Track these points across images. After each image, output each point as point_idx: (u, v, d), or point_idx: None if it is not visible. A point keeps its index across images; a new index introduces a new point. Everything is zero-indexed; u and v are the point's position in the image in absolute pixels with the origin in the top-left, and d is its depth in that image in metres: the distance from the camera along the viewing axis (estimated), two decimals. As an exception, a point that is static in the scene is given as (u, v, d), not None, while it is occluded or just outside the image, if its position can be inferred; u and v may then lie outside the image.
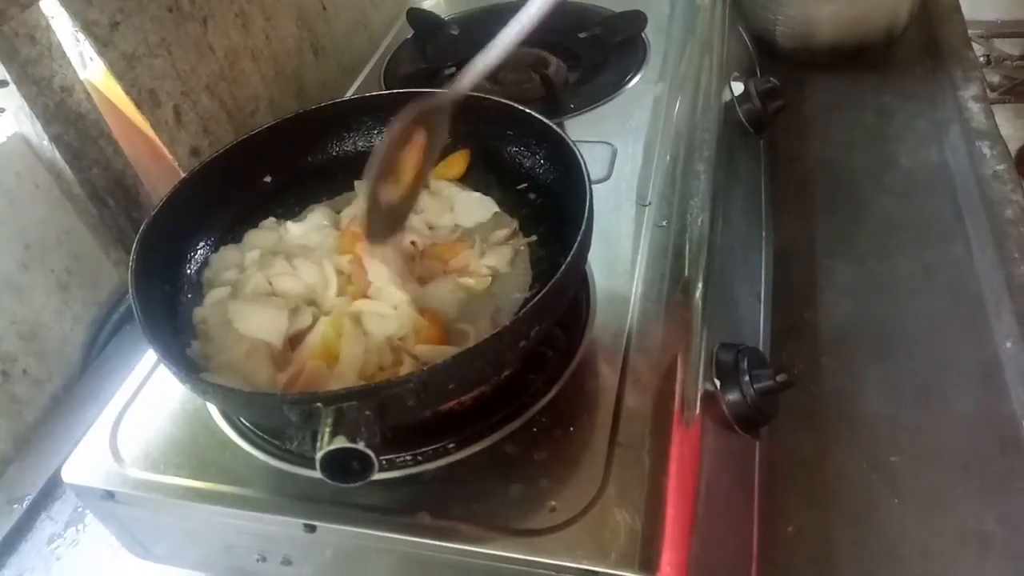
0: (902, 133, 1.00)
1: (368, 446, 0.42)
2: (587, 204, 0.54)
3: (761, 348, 0.71)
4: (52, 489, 0.74)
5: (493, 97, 0.68)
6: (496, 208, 0.67)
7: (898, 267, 0.83)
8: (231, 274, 0.64)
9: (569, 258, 0.51)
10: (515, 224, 0.66)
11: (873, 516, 0.63)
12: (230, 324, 0.59)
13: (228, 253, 0.66)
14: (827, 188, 0.94)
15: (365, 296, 0.59)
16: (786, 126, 0.99)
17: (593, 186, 0.56)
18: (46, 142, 0.80)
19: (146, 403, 0.62)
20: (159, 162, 0.93)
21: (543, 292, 0.49)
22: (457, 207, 0.67)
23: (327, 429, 0.43)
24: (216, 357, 0.57)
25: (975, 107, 0.99)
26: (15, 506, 0.72)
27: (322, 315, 0.58)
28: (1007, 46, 2.39)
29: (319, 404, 0.44)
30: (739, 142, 0.89)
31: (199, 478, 0.56)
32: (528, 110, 0.64)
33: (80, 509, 0.72)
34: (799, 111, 1.04)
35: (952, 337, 0.76)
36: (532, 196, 0.67)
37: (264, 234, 0.67)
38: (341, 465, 0.43)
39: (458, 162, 0.70)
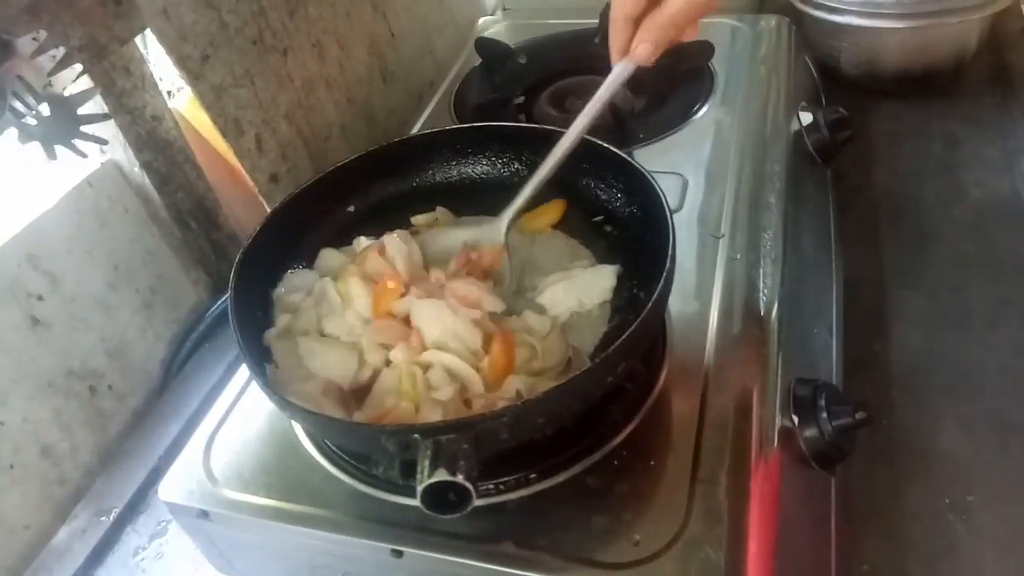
0: (971, 163, 0.99)
1: (467, 479, 0.43)
2: (670, 240, 0.55)
3: (834, 382, 0.71)
4: (137, 502, 0.77)
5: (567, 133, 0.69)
6: (615, 277, 0.65)
7: (970, 300, 0.82)
8: (297, 297, 0.66)
9: (656, 294, 0.52)
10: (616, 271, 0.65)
11: (949, 556, 0.63)
12: (300, 357, 0.61)
13: (298, 275, 0.68)
14: (895, 218, 0.93)
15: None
16: (852, 155, 0.99)
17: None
18: (137, 168, 0.83)
19: (236, 424, 0.64)
20: (237, 187, 0.97)
21: (632, 328, 0.50)
22: (579, 283, 0.65)
23: (426, 461, 0.44)
24: (291, 385, 0.59)
25: (1048, 136, 0.98)
26: (102, 518, 0.75)
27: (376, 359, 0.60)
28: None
29: (417, 436, 0.46)
30: (807, 172, 0.89)
31: (288, 499, 0.58)
32: (606, 144, 0.65)
33: (163, 523, 0.74)
34: (865, 140, 1.04)
35: (1027, 374, 0.75)
36: (608, 228, 0.68)
37: (333, 255, 0.69)
38: (440, 497, 0.44)
39: (553, 211, 0.71)
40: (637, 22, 0.60)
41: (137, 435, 0.84)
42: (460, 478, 0.43)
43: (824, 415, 0.60)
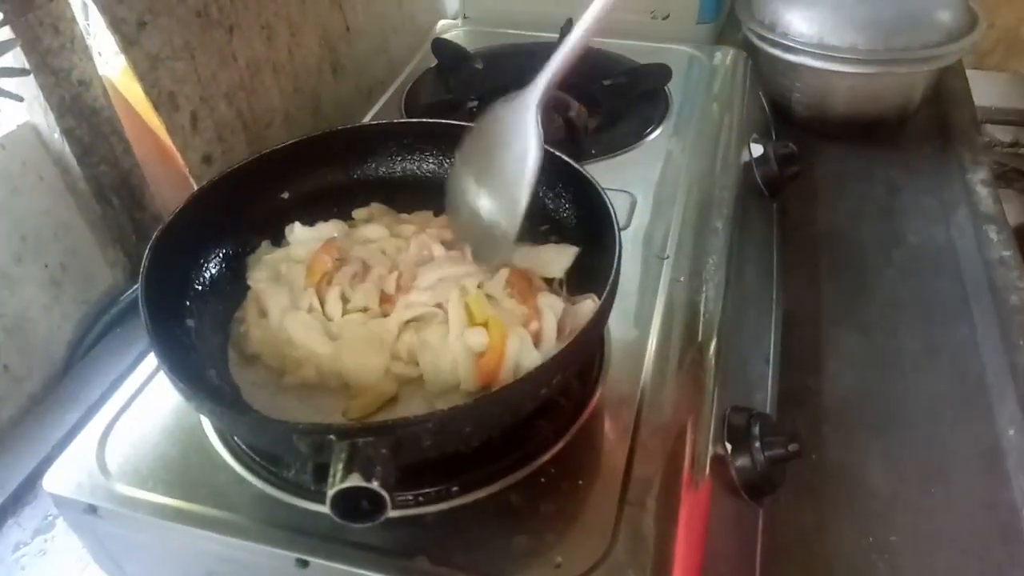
0: (910, 209, 1.01)
1: (383, 486, 0.40)
2: (616, 255, 0.54)
3: (768, 411, 0.70)
4: (23, 494, 0.71)
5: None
6: (573, 258, 0.64)
7: (903, 342, 0.83)
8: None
9: (598, 308, 0.50)
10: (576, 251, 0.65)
11: (870, 596, 0.62)
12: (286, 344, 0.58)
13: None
14: (834, 257, 0.94)
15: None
16: (797, 192, 1.00)
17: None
18: (57, 134, 0.78)
19: (138, 415, 0.59)
20: (167, 165, 0.91)
21: (572, 340, 0.48)
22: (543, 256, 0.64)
23: (340, 465, 0.41)
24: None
25: (983, 191, 1.01)
26: (-19, 510, 0.69)
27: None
28: (999, 132, 2.45)
29: (332, 437, 0.43)
30: (754, 203, 0.89)
31: (188, 499, 0.53)
32: (560, 154, 0.63)
33: (50, 518, 0.68)
34: (810, 178, 1.05)
35: (955, 419, 0.75)
36: (554, 239, 0.66)
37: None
38: (352, 504, 0.41)
39: None
40: None
41: (30, 421, 0.78)
42: (375, 485, 0.40)
43: (757, 444, 0.59)
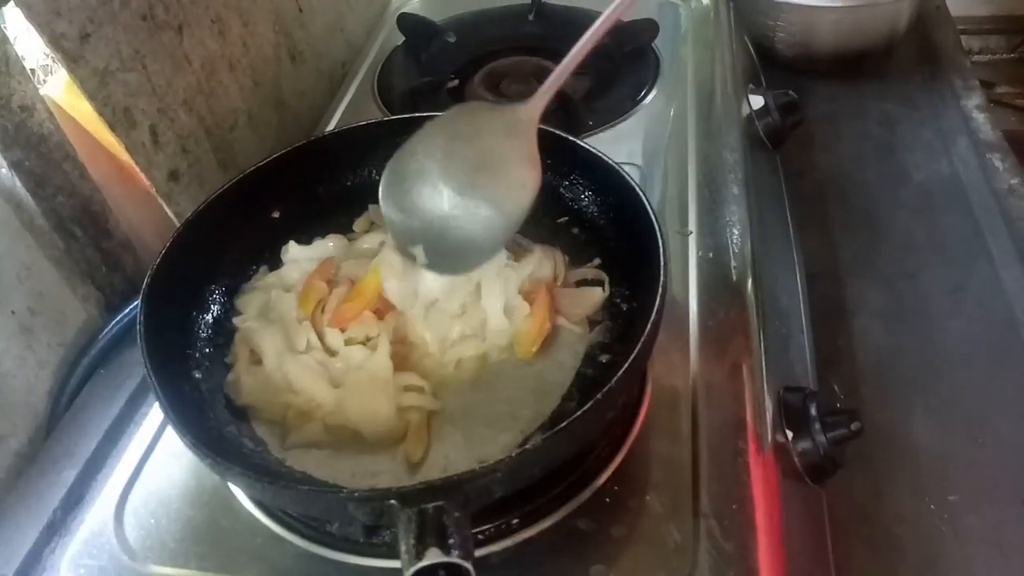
0: (910, 143, 0.98)
1: (464, 557, 0.36)
2: (660, 244, 0.49)
3: (812, 385, 0.68)
4: (30, 567, 0.65)
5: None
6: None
7: (925, 288, 0.81)
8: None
9: (655, 308, 0.46)
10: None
11: (939, 562, 0.61)
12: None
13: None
14: (843, 204, 0.91)
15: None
16: (794, 139, 0.96)
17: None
18: (4, 169, 0.70)
19: (152, 480, 0.54)
20: (128, 185, 0.84)
21: (635, 354, 0.43)
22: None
23: (411, 539, 0.36)
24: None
25: (979, 117, 0.98)
26: (-13, 590, 0.63)
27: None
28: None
29: (394, 503, 0.38)
30: (759, 159, 0.85)
31: (226, 571, 0.49)
32: (571, 137, 0.58)
33: (65, 591, 0.63)
34: (804, 123, 1.01)
35: (990, 361, 0.74)
36: (576, 231, 0.61)
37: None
38: (429, 577, 0.37)
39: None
40: None
41: (23, 484, 0.71)
42: (456, 557, 0.36)
43: (817, 426, 0.56)
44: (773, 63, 1.08)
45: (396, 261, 0.55)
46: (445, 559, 0.35)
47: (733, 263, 0.65)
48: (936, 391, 0.72)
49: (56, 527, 0.67)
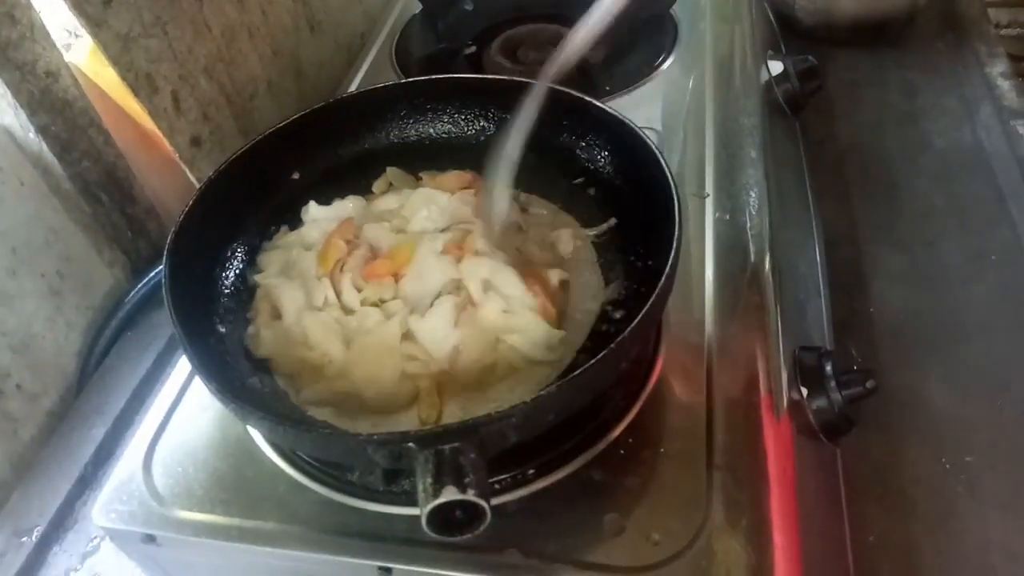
0: (931, 112, 0.97)
1: (480, 495, 0.37)
2: (675, 204, 0.50)
3: (829, 346, 0.68)
4: (63, 518, 0.67)
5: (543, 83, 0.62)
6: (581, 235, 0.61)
7: (945, 254, 0.80)
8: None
9: (668, 266, 0.46)
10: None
11: (953, 522, 0.61)
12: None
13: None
14: (862, 171, 0.90)
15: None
16: (814, 106, 0.95)
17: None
18: (32, 134, 0.71)
19: (179, 431, 0.56)
20: (151, 152, 0.85)
21: (648, 306, 0.44)
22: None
23: (429, 478, 0.37)
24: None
25: (1005, 84, 0.97)
26: (23, 539, 0.65)
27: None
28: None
29: (412, 445, 0.39)
30: (779, 124, 0.85)
31: (251, 516, 0.50)
32: (592, 99, 0.59)
33: (96, 540, 0.65)
34: (824, 90, 0.99)
35: (1009, 327, 0.73)
36: (592, 191, 0.62)
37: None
38: (446, 516, 0.38)
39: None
40: None
41: (55, 440, 0.73)
42: (472, 495, 0.37)
43: (832, 384, 0.56)
44: (793, 31, 1.07)
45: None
46: (461, 497, 0.36)
47: (749, 225, 0.65)
48: (955, 355, 0.72)
49: (87, 481, 0.70)
